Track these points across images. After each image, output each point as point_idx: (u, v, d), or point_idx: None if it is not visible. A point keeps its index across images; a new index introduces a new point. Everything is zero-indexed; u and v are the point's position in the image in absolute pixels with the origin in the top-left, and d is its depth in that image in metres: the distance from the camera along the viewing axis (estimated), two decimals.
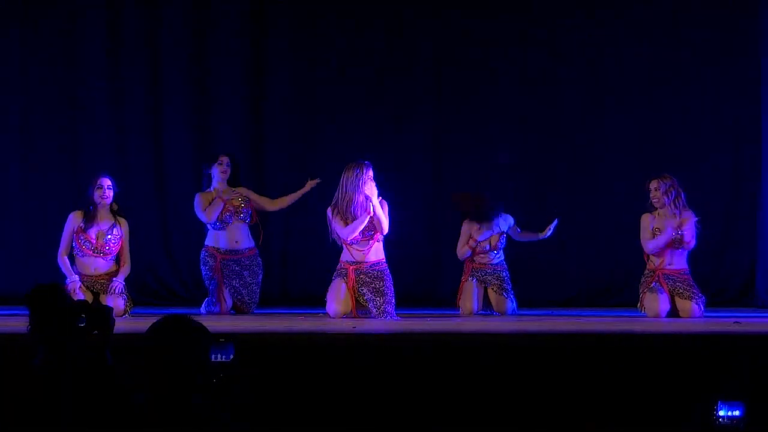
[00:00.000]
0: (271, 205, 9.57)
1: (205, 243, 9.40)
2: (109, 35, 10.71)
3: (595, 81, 10.72)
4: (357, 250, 8.89)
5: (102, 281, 8.99)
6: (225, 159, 9.37)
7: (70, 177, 10.46)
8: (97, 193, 8.93)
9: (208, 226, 9.35)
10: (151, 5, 10.72)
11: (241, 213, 9.35)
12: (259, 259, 9.44)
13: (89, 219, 8.94)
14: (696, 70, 10.63)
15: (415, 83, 10.74)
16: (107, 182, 8.98)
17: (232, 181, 9.39)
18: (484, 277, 9.34)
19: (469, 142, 10.69)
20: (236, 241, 9.37)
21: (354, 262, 8.89)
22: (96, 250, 8.96)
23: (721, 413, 4.61)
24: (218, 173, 9.33)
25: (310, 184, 9.38)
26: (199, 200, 9.34)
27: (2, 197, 10.66)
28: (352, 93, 10.72)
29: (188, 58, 10.77)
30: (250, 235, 9.43)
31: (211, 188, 9.36)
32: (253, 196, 9.48)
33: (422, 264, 10.59)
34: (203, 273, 9.41)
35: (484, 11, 10.70)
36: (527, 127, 10.72)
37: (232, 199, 9.34)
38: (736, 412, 4.60)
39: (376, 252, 8.91)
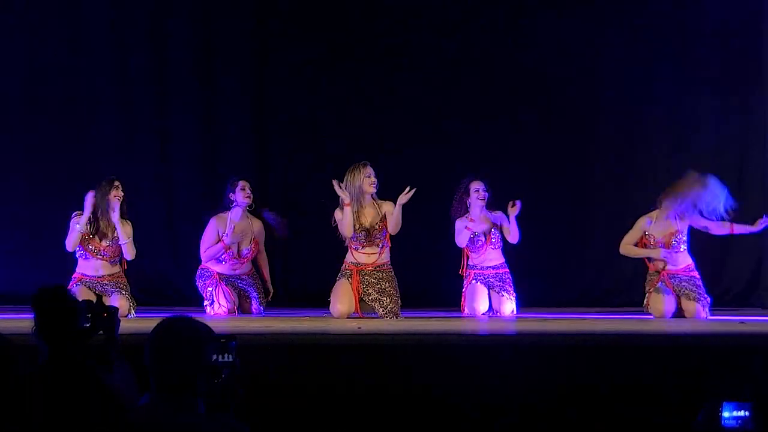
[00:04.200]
0: (260, 258, 9.48)
1: (203, 263, 9.37)
2: (115, 37, 10.73)
3: (596, 80, 10.72)
4: (364, 254, 8.88)
5: (105, 282, 9.00)
6: (247, 184, 9.25)
7: (75, 178, 10.45)
8: (113, 194, 8.95)
9: None
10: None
11: (243, 259, 9.32)
12: (258, 277, 9.46)
13: (97, 224, 8.95)
14: (699, 69, 10.61)
15: (415, 85, 10.74)
16: (120, 186, 9.01)
17: (251, 206, 9.33)
18: (487, 280, 9.34)
19: (470, 141, 10.68)
20: (234, 269, 9.36)
21: (358, 264, 8.89)
22: (98, 253, 8.98)
23: (727, 414, 4.59)
24: (241, 199, 9.26)
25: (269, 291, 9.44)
26: (208, 233, 9.25)
27: (6, 198, 10.66)
28: (352, 94, 10.72)
29: (195, 61, 10.78)
30: (249, 263, 9.41)
31: (231, 213, 9.24)
32: (260, 237, 9.39)
33: (424, 264, 10.58)
34: (199, 286, 9.36)
35: (484, 8, 10.72)
36: (526, 125, 10.71)
37: (241, 243, 9.28)
38: (742, 413, 4.58)
39: (382, 256, 8.91)
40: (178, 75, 10.78)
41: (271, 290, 9.50)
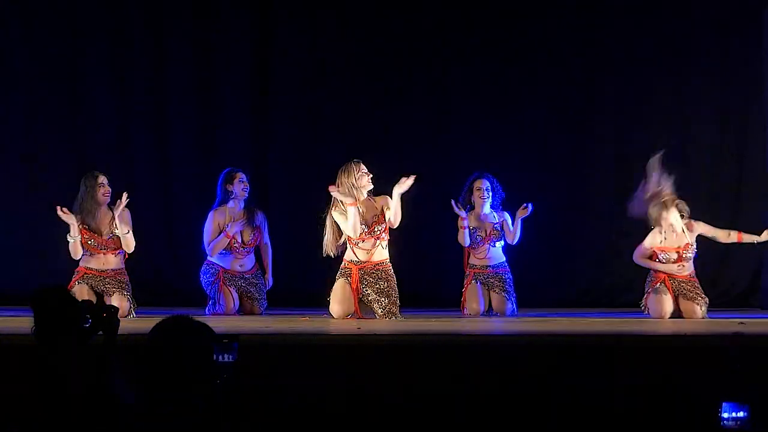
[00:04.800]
0: (262, 246, 9.48)
1: (207, 259, 9.38)
2: (113, 38, 10.73)
3: (595, 80, 10.73)
4: (362, 249, 8.87)
5: (108, 279, 8.97)
6: (244, 176, 9.30)
7: (73, 177, 10.45)
8: (100, 191, 8.91)
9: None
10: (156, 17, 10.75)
11: (248, 246, 9.33)
12: (261, 277, 9.45)
13: (93, 221, 8.91)
14: (700, 71, 10.62)
15: (416, 83, 10.75)
16: (106, 179, 8.96)
17: (248, 199, 9.34)
18: (487, 280, 9.35)
19: (470, 141, 10.69)
20: (240, 265, 9.36)
21: (358, 261, 8.89)
22: (102, 246, 8.95)
23: (726, 415, 4.60)
24: (239, 191, 9.28)
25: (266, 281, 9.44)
26: (209, 225, 9.28)
27: (6, 198, 10.65)
28: (353, 94, 10.73)
29: (194, 55, 10.78)
30: (254, 257, 9.42)
31: (230, 204, 9.30)
32: (262, 226, 9.40)
33: (424, 264, 10.58)
34: (203, 282, 9.37)
35: (488, 10, 10.72)
36: (528, 126, 10.72)
37: (244, 232, 9.29)
38: (741, 414, 4.59)
39: (381, 252, 8.90)
40: (177, 73, 10.78)
41: (271, 282, 9.49)
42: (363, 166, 8.83)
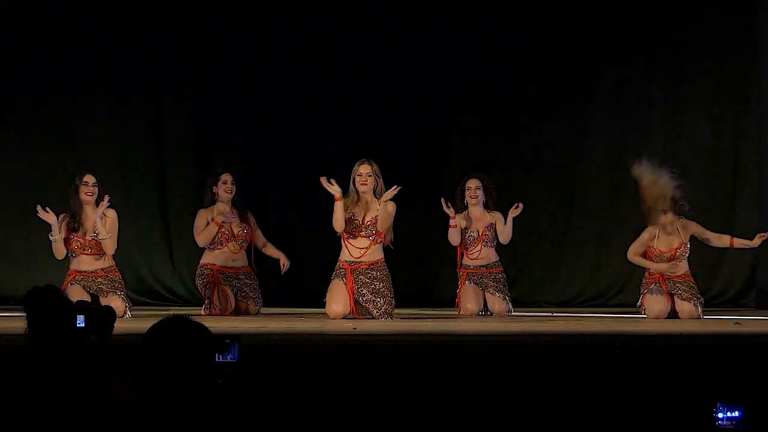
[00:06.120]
0: (261, 245, 9.47)
1: (200, 261, 9.36)
2: (112, 46, 10.75)
3: (589, 86, 10.75)
4: (356, 247, 8.87)
5: (99, 279, 8.95)
6: (229, 177, 9.31)
7: (71, 179, 10.46)
8: (83, 190, 8.89)
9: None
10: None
11: (239, 239, 9.31)
12: (255, 277, 9.42)
13: (76, 220, 8.89)
14: (697, 72, 10.63)
15: (415, 84, 10.76)
16: (92, 179, 8.93)
17: (236, 200, 9.34)
18: (480, 280, 9.36)
19: (469, 142, 10.71)
20: (232, 260, 9.35)
21: (352, 261, 8.88)
22: (85, 248, 8.91)
23: (721, 415, 4.62)
24: (222, 192, 9.28)
25: (283, 264, 9.38)
26: (197, 221, 9.29)
27: (4, 200, 10.66)
28: (351, 94, 10.75)
29: (191, 64, 10.82)
30: (245, 256, 9.41)
31: (217, 207, 9.29)
32: (253, 223, 9.41)
33: (422, 264, 10.59)
34: (198, 284, 9.35)
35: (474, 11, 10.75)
36: (526, 128, 10.74)
37: (233, 224, 9.28)
38: (736, 414, 4.61)
39: (375, 252, 8.89)
40: (173, 78, 10.80)
41: (288, 262, 9.43)
42: (363, 167, 8.79)
